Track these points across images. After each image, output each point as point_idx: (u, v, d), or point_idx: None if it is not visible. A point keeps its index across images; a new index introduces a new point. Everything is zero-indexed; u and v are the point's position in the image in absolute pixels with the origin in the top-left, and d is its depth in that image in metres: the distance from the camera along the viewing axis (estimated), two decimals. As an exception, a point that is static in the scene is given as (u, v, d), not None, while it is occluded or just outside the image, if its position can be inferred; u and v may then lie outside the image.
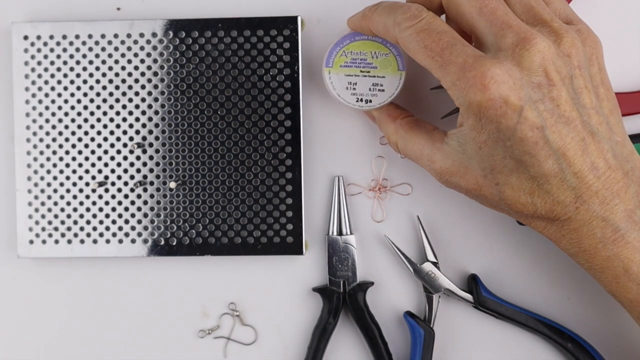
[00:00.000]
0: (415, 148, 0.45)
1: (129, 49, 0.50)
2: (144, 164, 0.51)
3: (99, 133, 0.51)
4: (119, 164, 0.51)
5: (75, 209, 0.51)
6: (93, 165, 0.51)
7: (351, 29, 0.48)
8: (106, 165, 0.51)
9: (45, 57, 0.51)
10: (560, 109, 0.39)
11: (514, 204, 0.41)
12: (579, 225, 0.41)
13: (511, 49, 0.39)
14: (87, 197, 0.51)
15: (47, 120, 0.51)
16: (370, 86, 0.48)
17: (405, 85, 0.48)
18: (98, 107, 0.51)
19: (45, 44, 0.51)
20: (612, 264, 0.41)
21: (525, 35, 0.39)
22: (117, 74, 0.50)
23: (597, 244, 0.41)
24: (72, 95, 0.51)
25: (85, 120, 0.51)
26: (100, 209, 0.51)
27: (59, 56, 0.51)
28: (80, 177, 0.51)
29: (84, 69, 0.51)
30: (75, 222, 0.51)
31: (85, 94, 0.51)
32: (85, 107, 0.51)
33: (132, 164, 0.51)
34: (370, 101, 0.48)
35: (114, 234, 0.51)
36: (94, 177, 0.51)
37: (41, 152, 0.51)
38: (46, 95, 0.51)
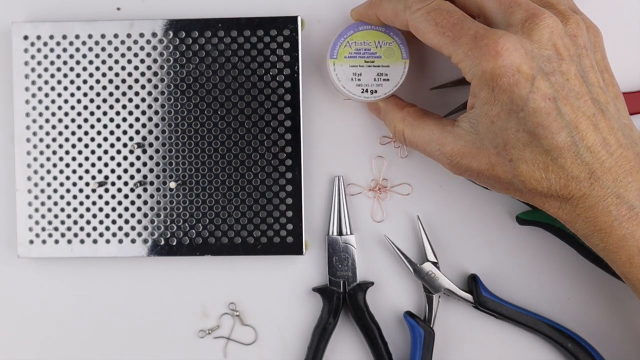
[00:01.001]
0: (423, 134, 0.45)
1: (129, 49, 0.50)
2: (144, 164, 0.51)
3: (99, 133, 0.51)
4: (119, 164, 0.51)
5: (75, 209, 0.51)
6: (93, 165, 0.51)
7: (355, 19, 0.48)
8: (106, 165, 0.51)
9: (45, 57, 0.51)
10: (570, 83, 0.40)
11: (528, 180, 0.41)
12: (595, 202, 0.40)
13: (520, 24, 0.40)
14: (87, 197, 0.51)
15: (47, 120, 0.51)
16: (375, 76, 0.48)
17: (406, 83, 0.48)
18: (98, 107, 0.51)
19: (45, 44, 0.51)
20: (627, 243, 0.41)
21: (534, 11, 0.40)
22: (117, 74, 0.50)
23: (613, 222, 0.41)
24: (72, 95, 0.51)
25: (85, 120, 0.51)
26: (100, 209, 0.51)
27: (59, 56, 0.51)
28: (80, 177, 0.51)
29: (84, 69, 0.51)
30: (75, 222, 0.51)
31: (85, 94, 0.51)
32: (85, 107, 0.51)
33: (132, 164, 0.51)
34: (376, 91, 0.48)
35: (114, 234, 0.51)
36: (94, 177, 0.51)
37: (41, 152, 0.51)
38: (46, 95, 0.51)
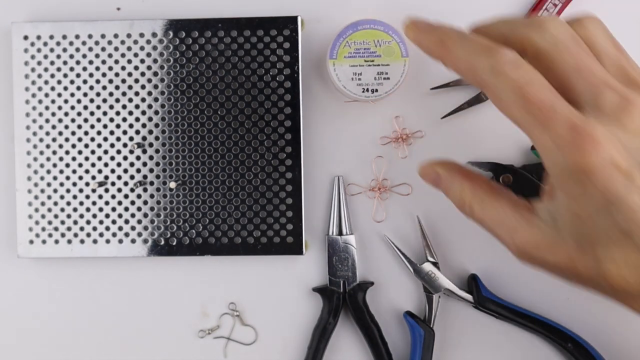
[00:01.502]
0: (494, 213, 0.41)
1: (129, 49, 0.50)
2: (144, 164, 0.51)
3: (99, 133, 0.51)
4: (119, 164, 0.51)
5: (75, 209, 0.51)
6: (93, 165, 0.51)
7: (411, 40, 0.42)
8: (106, 165, 0.51)
9: (45, 57, 0.51)
10: None
11: (617, 280, 0.37)
12: None
13: (613, 111, 0.36)
14: (87, 197, 0.51)
15: (47, 120, 0.51)
16: (376, 75, 0.48)
17: (406, 83, 0.48)
18: (98, 107, 0.51)
19: (45, 44, 0.51)
20: None
21: (626, 96, 0.36)
22: (117, 74, 0.50)
23: None
24: (72, 95, 0.51)
25: (85, 120, 0.51)
26: (100, 209, 0.51)
27: (59, 56, 0.51)
28: (80, 177, 0.51)
29: (84, 69, 0.51)
30: (75, 222, 0.51)
31: (85, 94, 0.51)
32: (85, 107, 0.51)
33: (132, 164, 0.51)
34: (376, 90, 0.48)
35: (114, 234, 0.51)
36: (94, 177, 0.51)
37: (41, 152, 0.51)
38: (46, 95, 0.51)
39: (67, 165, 0.51)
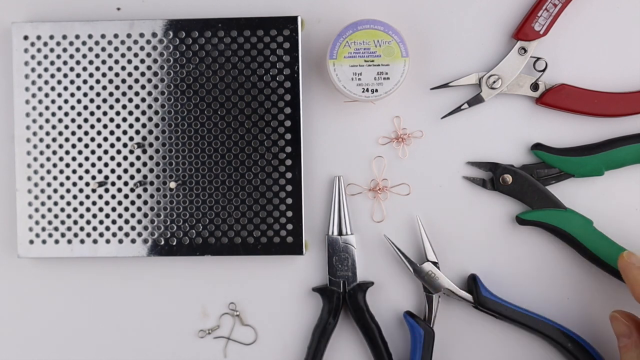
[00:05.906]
0: None
1: (129, 49, 0.50)
2: (144, 164, 0.51)
3: (99, 133, 0.51)
4: (119, 164, 0.51)
5: (75, 209, 0.51)
6: (93, 165, 0.51)
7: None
8: (106, 165, 0.51)
9: (45, 57, 0.51)
10: None
11: None
12: None
13: None
14: (87, 197, 0.51)
15: (47, 120, 0.51)
16: (375, 75, 0.48)
17: (406, 83, 0.48)
18: (98, 107, 0.51)
19: (45, 44, 0.51)
20: None
21: None
22: (117, 74, 0.50)
23: None
24: (72, 95, 0.51)
25: (85, 120, 0.51)
26: (100, 209, 0.51)
27: (59, 56, 0.51)
28: (80, 177, 0.51)
29: (84, 69, 0.51)
30: (75, 222, 0.51)
31: (85, 94, 0.51)
32: (85, 107, 0.51)
33: (132, 164, 0.51)
34: (377, 90, 0.48)
35: (114, 234, 0.51)
36: (94, 177, 0.51)
37: (41, 152, 0.51)
38: (46, 95, 0.51)
39: (67, 165, 0.51)
